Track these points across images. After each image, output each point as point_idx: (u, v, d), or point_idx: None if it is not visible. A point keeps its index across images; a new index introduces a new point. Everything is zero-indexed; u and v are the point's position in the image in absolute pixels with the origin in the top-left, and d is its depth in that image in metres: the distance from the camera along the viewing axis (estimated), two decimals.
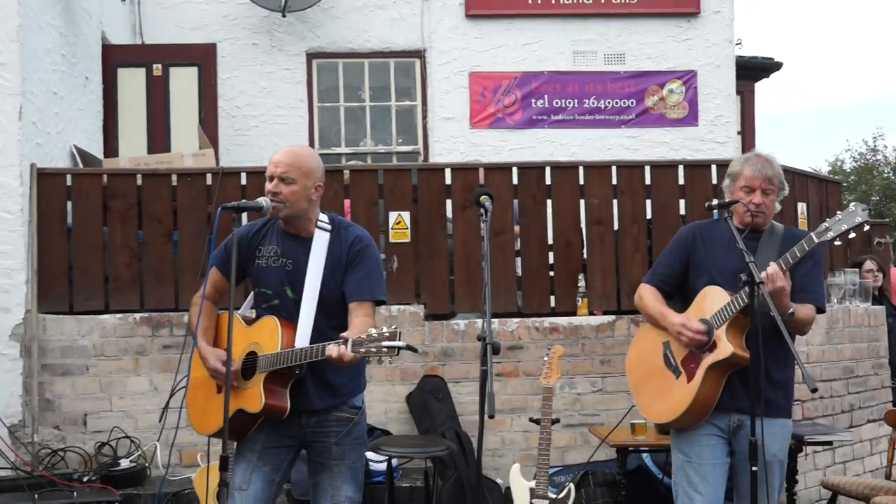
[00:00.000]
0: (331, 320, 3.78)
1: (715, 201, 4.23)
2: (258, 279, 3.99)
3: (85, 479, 5.72)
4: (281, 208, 3.85)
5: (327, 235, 3.93)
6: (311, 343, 3.70)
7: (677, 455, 4.23)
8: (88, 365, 6.35)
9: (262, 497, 3.87)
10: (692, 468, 4.14)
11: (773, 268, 3.94)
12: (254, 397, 3.74)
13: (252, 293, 4.12)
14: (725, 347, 4.00)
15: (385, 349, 3.38)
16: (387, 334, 3.41)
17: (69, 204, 6.62)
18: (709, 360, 4.06)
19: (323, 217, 3.99)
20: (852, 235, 4.21)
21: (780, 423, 4.16)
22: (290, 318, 3.83)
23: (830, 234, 4.00)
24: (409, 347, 3.45)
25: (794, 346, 3.86)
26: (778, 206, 4.30)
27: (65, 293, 6.54)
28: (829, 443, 5.93)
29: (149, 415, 6.25)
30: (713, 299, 4.11)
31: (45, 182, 6.53)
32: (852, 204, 4.16)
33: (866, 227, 4.24)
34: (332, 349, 3.50)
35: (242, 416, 3.75)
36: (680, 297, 4.38)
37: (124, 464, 5.99)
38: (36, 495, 5.36)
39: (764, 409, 3.87)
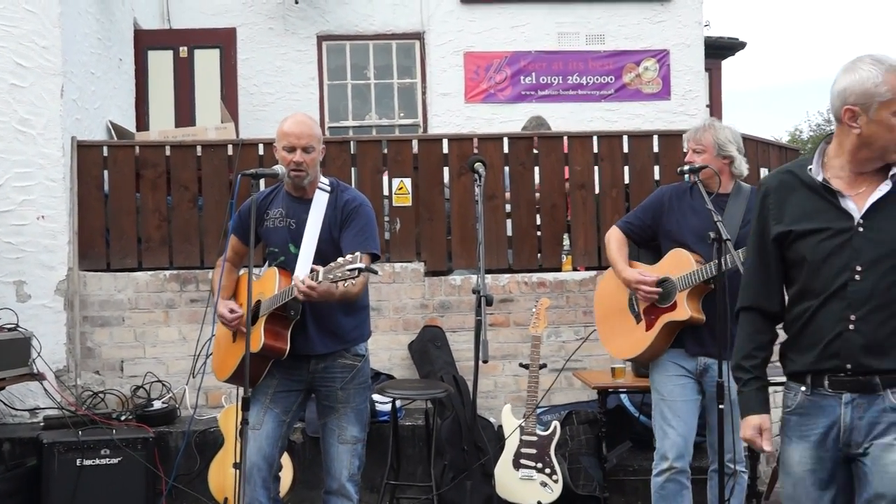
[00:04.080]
0: None
1: (686, 166, 4.16)
2: (268, 239, 3.99)
3: (122, 418, 5.71)
4: (304, 176, 3.85)
5: (326, 196, 3.92)
6: None
7: (654, 394, 4.23)
8: (124, 317, 6.33)
9: (273, 435, 3.88)
10: (665, 405, 4.14)
11: None
12: (255, 339, 3.73)
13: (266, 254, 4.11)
14: (685, 311, 4.03)
15: (348, 271, 3.39)
16: (349, 259, 3.41)
17: (105, 172, 6.56)
18: (667, 317, 4.09)
19: (324, 180, 3.97)
20: None
21: None
22: (290, 269, 3.83)
23: None
24: (368, 269, 3.48)
25: None
26: (741, 170, 4.24)
27: (102, 252, 6.50)
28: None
29: (178, 361, 6.24)
30: (681, 261, 4.10)
31: (84, 153, 6.48)
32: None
33: None
34: (306, 278, 3.51)
35: (251, 358, 3.71)
36: (652, 250, 4.36)
37: (157, 405, 5.97)
38: (80, 432, 5.34)
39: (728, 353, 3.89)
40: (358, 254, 3.46)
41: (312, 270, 3.53)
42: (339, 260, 3.44)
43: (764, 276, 2.89)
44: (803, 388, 2.77)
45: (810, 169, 2.79)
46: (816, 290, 2.72)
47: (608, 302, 4.45)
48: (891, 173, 2.72)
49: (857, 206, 2.71)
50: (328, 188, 3.94)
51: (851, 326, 2.66)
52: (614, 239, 4.37)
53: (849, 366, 2.67)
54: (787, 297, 2.89)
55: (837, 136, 2.78)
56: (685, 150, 4.30)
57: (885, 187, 2.71)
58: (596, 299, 4.62)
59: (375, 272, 3.66)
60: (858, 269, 2.67)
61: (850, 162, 2.74)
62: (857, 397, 2.68)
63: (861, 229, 2.69)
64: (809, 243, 2.74)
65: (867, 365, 2.65)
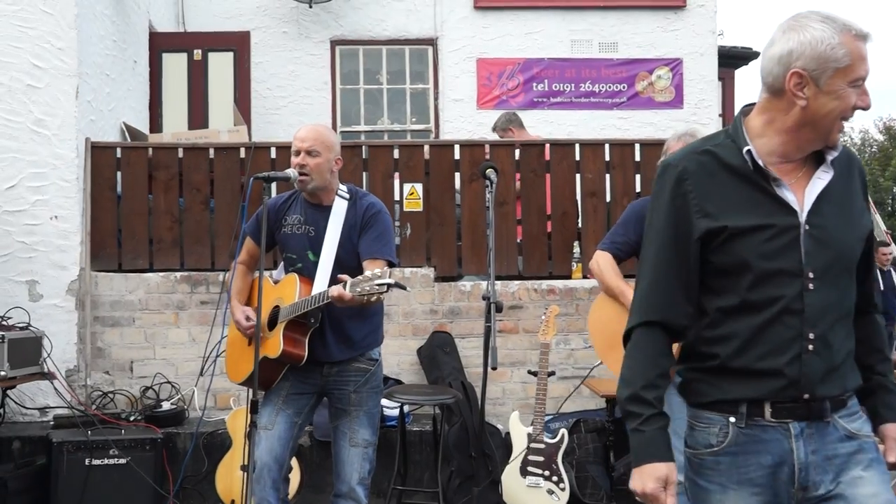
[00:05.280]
0: None
1: None
2: (285, 245, 4.00)
3: (131, 418, 5.74)
4: (308, 181, 3.86)
5: (345, 203, 3.93)
6: None
7: None
8: (135, 318, 6.36)
9: (285, 436, 3.89)
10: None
11: None
12: (274, 344, 3.76)
13: (283, 259, 4.13)
14: None
15: (377, 286, 3.39)
16: (378, 273, 3.42)
17: (119, 174, 6.60)
18: None
19: (342, 188, 3.99)
20: None
21: None
22: (309, 276, 3.84)
23: None
24: (397, 285, 3.46)
25: None
26: None
27: (114, 253, 6.54)
28: None
29: (188, 363, 6.27)
30: None
31: (98, 154, 6.52)
32: None
33: None
34: (334, 290, 3.51)
35: (267, 363, 3.76)
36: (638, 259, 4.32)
37: (166, 406, 6.01)
38: (89, 431, 5.37)
39: None
40: (387, 269, 3.48)
41: (339, 280, 3.54)
42: (368, 274, 3.46)
43: (679, 281, 2.29)
44: (733, 419, 2.23)
45: (748, 151, 2.23)
46: (762, 302, 2.20)
47: (611, 328, 4.17)
48: (830, 158, 2.25)
49: (795, 197, 2.23)
50: (347, 196, 3.96)
51: (811, 347, 2.18)
52: (607, 264, 4.20)
53: (807, 395, 2.19)
54: (705, 310, 2.31)
55: (766, 110, 2.25)
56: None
57: (825, 175, 2.25)
58: (593, 330, 4.38)
59: (404, 288, 3.68)
60: (811, 276, 2.20)
61: (787, 143, 2.24)
62: (806, 426, 2.20)
63: (807, 227, 2.21)
64: (751, 244, 2.21)
65: (824, 393, 2.20)
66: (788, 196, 2.22)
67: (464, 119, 9.86)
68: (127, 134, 7.49)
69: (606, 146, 6.86)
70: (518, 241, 6.75)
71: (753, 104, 2.32)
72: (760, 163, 2.22)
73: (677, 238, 2.28)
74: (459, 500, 5.38)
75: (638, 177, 6.77)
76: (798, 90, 2.15)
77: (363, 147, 6.84)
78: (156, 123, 8.59)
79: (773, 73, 2.19)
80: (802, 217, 2.21)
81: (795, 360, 2.18)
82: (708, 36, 10.10)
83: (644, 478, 2.20)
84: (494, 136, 7.87)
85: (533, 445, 5.26)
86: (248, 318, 3.93)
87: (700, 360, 2.30)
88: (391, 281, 3.41)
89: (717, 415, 2.26)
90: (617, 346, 4.13)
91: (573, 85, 9.95)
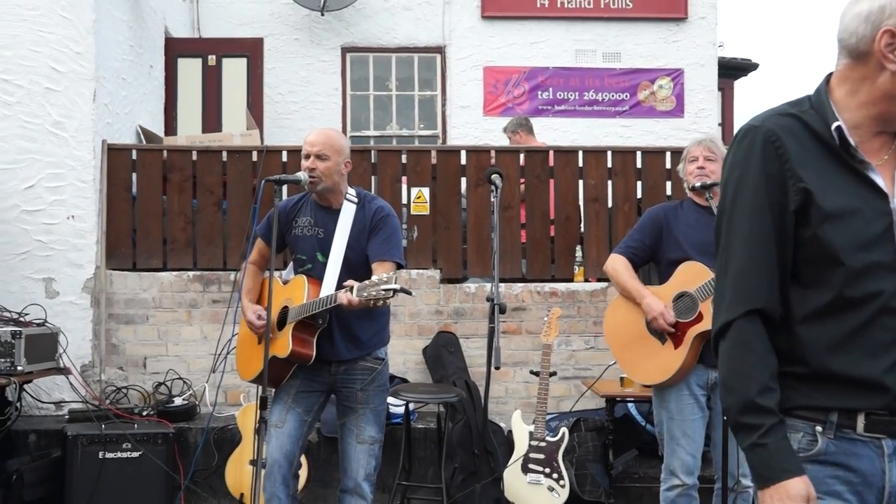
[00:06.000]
0: (354, 279, 3.82)
1: (699, 183, 4.15)
2: (295, 247, 4.04)
3: (144, 413, 5.76)
4: (318, 182, 3.89)
5: (354, 206, 3.97)
6: None
7: (661, 412, 4.16)
8: (148, 315, 6.41)
9: (295, 434, 3.93)
10: (675, 424, 4.08)
11: None
12: (283, 344, 3.80)
13: (293, 260, 4.17)
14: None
15: (383, 291, 3.42)
16: (385, 278, 3.45)
17: (134, 175, 6.64)
18: (696, 329, 4.01)
19: (351, 191, 4.02)
20: None
21: None
22: (318, 278, 3.88)
23: None
24: (403, 290, 3.50)
25: None
26: None
27: (129, 252, 6.58)
28: None
29: (199, 360, 6.31)
30: (696, 274, 4.03)
31: (114, 156, 6.56)
32: None
33: None
34: (342, 295, 3.55)
35: (276, 362, 3.80)
36: (654, 264, 4.35)
37: (178, 401, 6.05)
38: (103, 425, 5.41)
39: None
40: (393, 274, 3.53)
41: (346, 286, 3.57)
42: (374, 279, 3.50)
43: (780, 262, 1.93)
44: (820, 429, 1.91)
45: (838, 127, 1.91)
46: (858, 300, 1.87)
47: (624, 330, 4.25)
48: None
49: (884, 180, 1.92)
50: (356, 199, 3.99)
51: None
52: (622, 266, 4.23)
53: None
54: (789, 306, 1.96)
55: (847, 79, 1.94)
56: (693, 157, 4.22)
57: None
58: (608, 331, 4.39)
59: (410, 293, 3.71)
60: None
61: (872, 118, 1.93)
62: None
63: None
64: (846, 230, 1.87)
65: None
66: (878, 179, 1.91)
67: (470, 125, 9.89)
68: (142, 136, 7.53)
69: (609, 153, 6.88)
70: (522, 244, 6.77)
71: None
72: (852, 142, 1.91)
73: (772, 209, 1.92)
74: (462, 496, 5.41)
75: (639, 183, 6.80)
76: (889, 51, 1.86)
77: (372, 152, 6.89)
78: (171, 126, 8.64)
79: (857, 33, 1.89)
80: (894, 202, 1.91)
81: (895, 368, 1.87)
82: (708, 47, 10.12)
83: (784, 499, 1.85)
84: (500, 143, 7.91)
85: (534, 443, 5.29)
86: (259, 318, 3.97)
87: (782, 363, 1.95)
88: (397, 286, 3.45)
89: (800, 422, 1.94)
90: (629, 347, 4.25)
91: (577, 93, 9.98)
